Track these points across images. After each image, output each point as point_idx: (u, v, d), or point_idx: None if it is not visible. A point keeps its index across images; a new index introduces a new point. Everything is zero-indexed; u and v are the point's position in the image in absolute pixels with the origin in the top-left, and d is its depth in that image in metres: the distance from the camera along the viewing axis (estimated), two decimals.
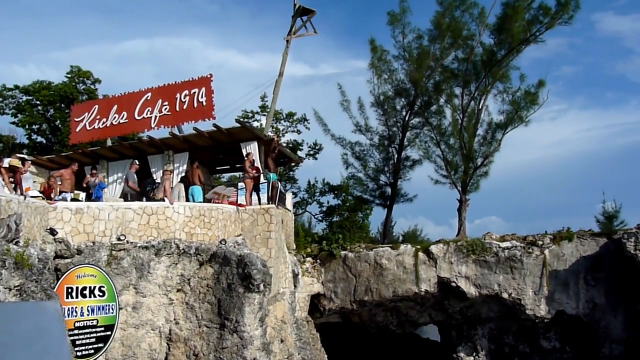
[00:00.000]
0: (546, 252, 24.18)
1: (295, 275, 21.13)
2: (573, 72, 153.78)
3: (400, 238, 35.05)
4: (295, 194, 35.85)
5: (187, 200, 19.36)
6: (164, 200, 16.87)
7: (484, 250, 24.36)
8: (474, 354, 25.99)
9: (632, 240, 21.89)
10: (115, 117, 22.95)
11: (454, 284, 24.29)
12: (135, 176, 18.19)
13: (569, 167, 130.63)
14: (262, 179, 20.13)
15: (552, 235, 24.82)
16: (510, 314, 24.83)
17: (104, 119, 23.22)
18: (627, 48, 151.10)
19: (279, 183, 19.97)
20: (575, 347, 24.94)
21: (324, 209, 36.76)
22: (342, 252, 25.58)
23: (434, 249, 24.83)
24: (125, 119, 22.75)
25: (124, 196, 19.38)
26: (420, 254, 24.84)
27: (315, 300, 25.11)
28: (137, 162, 19.11)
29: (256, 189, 19.77)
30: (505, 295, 23.99)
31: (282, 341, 17.24)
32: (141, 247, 14.52)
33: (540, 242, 24.46)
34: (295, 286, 20.73)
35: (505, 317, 25.17)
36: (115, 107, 23.09)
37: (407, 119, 33.07)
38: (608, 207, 27.34)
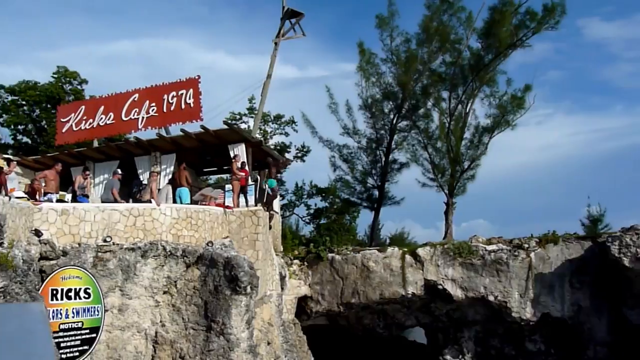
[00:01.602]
0: (532, 255, 24.33)
1: (282, 278, 21.10)
2: (559, 76, 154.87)
3: (388, 241, 35.08)
4: (282, 196, 35.81)
5: (175, 201, 19.28)
6: (150, 202, 16.79)
7: (470, 253, 24.47)
8: (460, 356, 26.07)
9: (616, 243, 22.07)
10: (102, 118, 22.83)
11: (440, 287, 24.37)
12: (118, 184, 18.06)
13: (555, 171, 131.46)
14: (250, 181, 20.11)
15: (538, 239, 24.98)
16: (497, 317, 24.95)
17: (91, 120, 23.08)
18: (612, 54, 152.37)
19: (266, 185, 19.94)
20: (560, 349, 25.10)
21: (312, 211, 36.76)
22: (330, 255, 25.59)
23: (421, 251, 24.90)
24: (112, 120, 22.63)
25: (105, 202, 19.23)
26: (407, 257, 24.91)
27: (302, 303, 25.09)
28: (120, 172, 18.95)
29: (244, 191, 19.73)
30: (491, 298, 24.11)
31: (268, 344, 17.21)
32: (127, 248, 14.43)
33: (526, 245, 24.61)
34: (282, 288, 20.71)
35: (492, 319, 25.28)
36: (102, 108, 22.96)
37: (394, 122, 33.18)
38: (593, 211, 27.57)
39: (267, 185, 19.70)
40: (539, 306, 24.10)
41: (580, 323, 24.32)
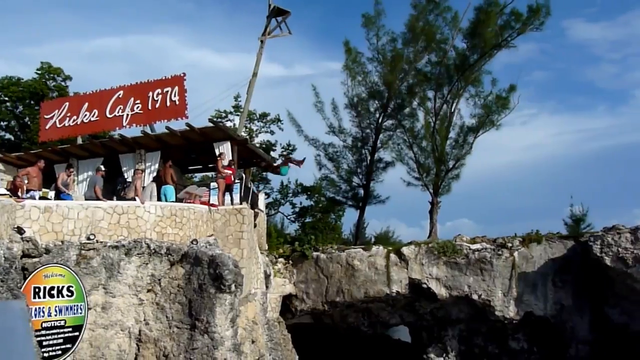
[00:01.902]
0: (515, 254, 24.51)
1: (267, 276, 21.09)
2: (544, 77, 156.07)
3: (373, 239, 35.21)
4: (268, 195, 35.78)
5: (160, 199, 19.20)
6: (135, 200, 16.71)
7: (454, 252, 24.60)
8: (444, 354, 26.20)
9: (598, 243, 22.29)
10: (86, 115, 22.64)
11: (424, 286, 24.48)
12: (102, 181, 17.93)
13: (540, 170, 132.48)
14: (235, 179, 20.07)
15: (521, 238, 25.18)
16: (480, 315, 25.10)
17: (75, 117, 22.89)
18: (596, 55, 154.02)
19: (252, 183, 19.92)
20: (543, 347, 25.33)
21: (297, 209, 36.79)
22: (314, 253, 25.62)
23: (405, 250, 24.99)
24: (97, 117, 22.45)
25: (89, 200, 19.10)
26: (392, 256, 24.99)
27: (287, 301, 25.10)
28: (104, 168, 18.81)
29: (229, 189, 19.67)
30: (475, 297, 24.25)
31: (253, 342, 17.19)
32: (111, 246, 14.35)
33: (510, 245, 24.79)
34: (267, 287, 20.69)
35: (475, 318, 25.44)
36: (86, 104, 22.77)
37: (380, 121, 33.27)
38: (576, 211, 27.82)
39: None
40: (522, 305, 24.28)
41: (562, 322, 24.55)
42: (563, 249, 24.53)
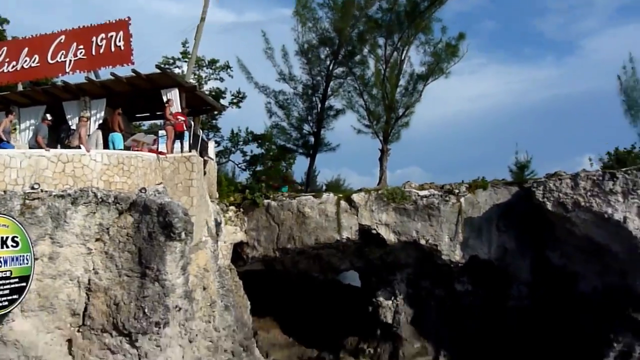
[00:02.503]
0: (462, 200, 25.14)
1: (217, 224, 21.10)
2: (493, 26, 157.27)
3: (324, 187, 35.48)
4: (218, 143, 35.46)
5: (107, 147, 18.81)
6: (80, 148, 16.33)
7: (403, 198, 25.04)
8: (393, 298, 26.98)
9: (540, 188, 23.03)
10: (26, 61, 21.72)
11: (374, 232, 24.93)
12: (46, 130, 17.41)
13: (488, 120, 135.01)
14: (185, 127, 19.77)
15: (468, 185, 25.79)
16: (427, 260, 25.82)
17: (14, 62, 21.93)
18: (544, 5, 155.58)
19: (201, 131, 19.69)
20: (487, 289, 26.38)
21: (248, 158, 36.63)
22: (265, 201, 25.68)
23: (355, 197, 25.31)
24: (37, 63, 21.58)
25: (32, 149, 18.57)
26: (342, 203, 25.28)
27: (238, 249, 25.23)
28: (50, 117, 18.24)
29: (181, 137, 19.40)
30: (423, 242, 24.88)
31: (204, 289, 17.30)
32: (57, 196, 14.06)
33: (457, 191, 25.38)
34: (217, 235, 20.73)
35: (423, 262, 26.17)
36: (26, 49, 21.82)
37: (330, 68, 33.12)
38: (520, 158, 28.59)
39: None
40: (467, 249, 25.07)
41: (505, 265, 25.52)
42: (507, 195, 25.29)
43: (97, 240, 14.86)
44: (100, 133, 19.76)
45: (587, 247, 23.06)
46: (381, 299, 27.09)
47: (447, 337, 26.83)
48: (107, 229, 14.90)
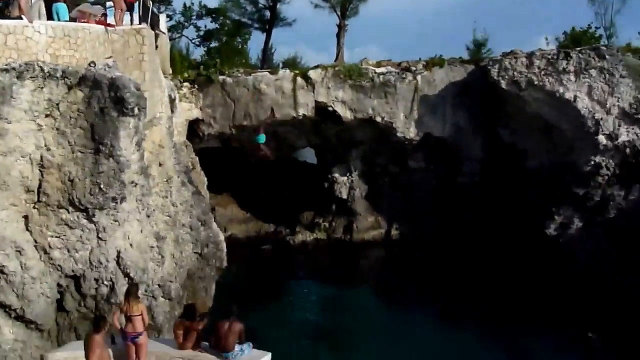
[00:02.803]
0: (418, 77, 25.18)
1: (172, 100, 20.69)
2: None
3: (280, 65, 34.85)
4: (170, 17, 33.93)
5: (51, 19, 17.83)
6: (21, 19, 15.43)
7: (360, 75, 24.91)
8: (348, 174, 27.57)
9: (496, 67, 23.17)
10: None
11: (330, 109, 24.95)
12: None
13: None
14: None
15: (425, 62, 25.76)
16: (383, 137, 26.20)
17: None
18: None
19: (151, 3, 18.76)
20: (439, 166, 27.15)
21: (202, 33, 35.35)
22: (221, 77, 25.19)
23: (312, 74, 25.05)
24: None
25: None
26: (299, 79, 25.03)
27: (194, 126, 25.02)
28: None
29: (129, 8, 18.44)
30: (378, 119, 25.08)
31: (160, 165, 17.22)
32: (0, 70, 13.45)
33: (414, 69, 25.34)
34: (172, 111, 20.38)
35: (378, 140, 26.56)
36: None
37: None
38: (478, 37, 28.48)
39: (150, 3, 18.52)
40: (422, 126, 25.45)
41: (458, 142, 26.15)
42: (464, 73, 25.41)
43: (47, 116, 14.43)
44: (42, 3, 18.62)
45: (537, 125, 23.67)
46: (336, 175, 27.64)
47: (399, 212, 27.86)
48: (57, 104, 14.43)
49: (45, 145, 14.10)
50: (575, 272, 22.01)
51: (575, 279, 21.76)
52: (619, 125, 21.55)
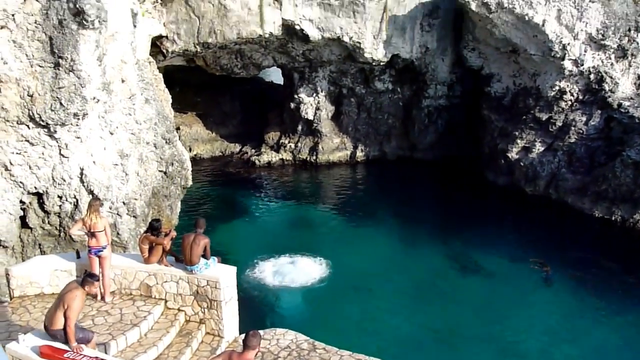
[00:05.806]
0: None
1: (134, 15, 19.97)
2: None
3: None
4: None
5: None
6: None
7: None
8: (314, 94, 27.42)
9: None
10: None
11: (298, 27, 24.41)
12: None
13: None
14: None
15: None
16: (350, 58, 25.94)
17: None
18: None
19: None
20: (406, 88, 27.20)
21: None
22: None
23: None
24: None
25: None
26: None
27: (157, 43, 24.29)
28: None
29: None
30: (346, 39, 24.71)
31: (123, 81, 16.81)
32: None
33: None
34: (134, 26, 19.71)
35: (345, 60, 26.30)
36: None
37: None
38: None
39: None
40: (390, 47, 25.21)
41: (425, 64, 26.12)
42: None
43: (2, 28, 13.90)
44: None
45: (505, 49, 23.68)
46: (303, 95, 27.47)
47: (364, 133, 28.04)
48: (12, 15, 13.85)
49: (2, 59, 13.66)
50: (535, 195, 22.78)
51: (534, 200, 22.60)
52: (585, 51, 21.66)
